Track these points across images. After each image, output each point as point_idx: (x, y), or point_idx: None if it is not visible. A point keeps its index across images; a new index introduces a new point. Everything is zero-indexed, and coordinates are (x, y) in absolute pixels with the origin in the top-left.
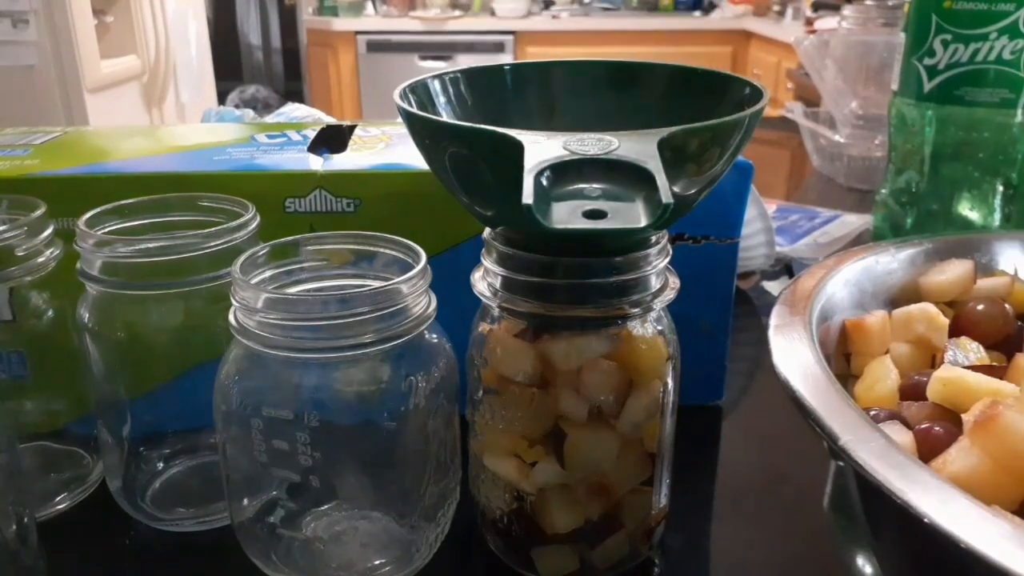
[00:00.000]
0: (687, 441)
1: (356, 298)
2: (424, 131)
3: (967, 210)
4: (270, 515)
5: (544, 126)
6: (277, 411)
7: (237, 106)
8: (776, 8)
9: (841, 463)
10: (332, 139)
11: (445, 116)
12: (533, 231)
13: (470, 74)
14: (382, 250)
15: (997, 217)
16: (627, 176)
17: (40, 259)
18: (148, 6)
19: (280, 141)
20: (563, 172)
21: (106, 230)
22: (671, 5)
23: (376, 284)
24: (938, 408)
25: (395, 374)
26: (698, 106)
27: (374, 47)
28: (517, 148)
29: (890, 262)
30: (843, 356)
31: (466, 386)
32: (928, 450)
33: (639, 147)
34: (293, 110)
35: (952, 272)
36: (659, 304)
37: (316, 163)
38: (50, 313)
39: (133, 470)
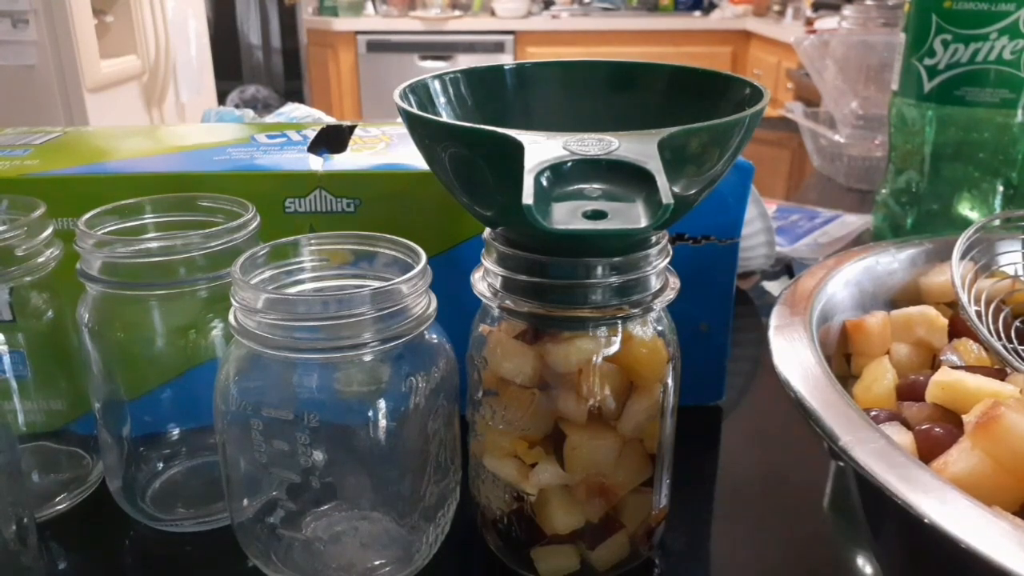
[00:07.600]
0: (687, 442)
1: (356, 298)
2: (424, 131)
3: (967, 210)
4: (270, 515)
5: (544, 126)
6: (277, 411)
7: (237, 106)
8: (776, 8)
9: (841, 463)
10: (332, 139)
11: (445, 116)
12: (533, 231)
13: (470, 74)
14: (382, 250)
15: None
16: (627, 176)
17: (40, 259)
18: (148, 6)
19: (280, 141)
20: (563, 172)
21: (106, 230)
22: (671, 5)
23: (376, 284)
24: (938, 409)
25: (395, 374)
26: (698, 106)
27: (374, 47)
28: (517, 148)
29: (890, 262)
30: (843, 357)
31: (466, 386)
32: (928, 451)
33: (639, 147)
34: (293, 110)
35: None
36: (659, 304)
37: (316, 163)
38: (50, 313)
39: (133, 470)
